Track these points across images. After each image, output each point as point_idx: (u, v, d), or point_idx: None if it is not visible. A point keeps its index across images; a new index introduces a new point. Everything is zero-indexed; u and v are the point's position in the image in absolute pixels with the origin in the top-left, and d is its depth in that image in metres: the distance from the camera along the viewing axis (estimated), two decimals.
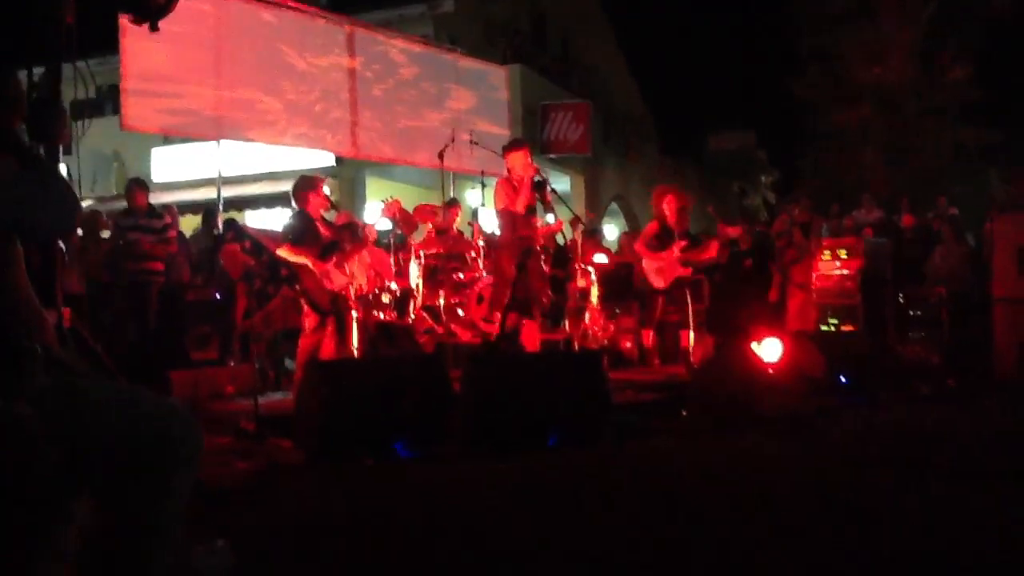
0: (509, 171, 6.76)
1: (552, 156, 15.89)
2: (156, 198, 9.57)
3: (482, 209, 9.67)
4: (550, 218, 7.16)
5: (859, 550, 2.94)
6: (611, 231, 18.57)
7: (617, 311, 8.83)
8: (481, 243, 7.66)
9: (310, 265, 6.05)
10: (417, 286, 7.32)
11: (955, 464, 4.28)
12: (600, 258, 8.94)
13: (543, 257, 7.09)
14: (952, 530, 3.17)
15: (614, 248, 12.39)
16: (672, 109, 36.72)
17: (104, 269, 8.23)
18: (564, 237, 8.87)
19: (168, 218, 8.67)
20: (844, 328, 9.33)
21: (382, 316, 7.13)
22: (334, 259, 6.19)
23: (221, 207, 9.93)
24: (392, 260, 7.74)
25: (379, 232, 7.54)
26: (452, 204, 8.67)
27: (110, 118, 10.98)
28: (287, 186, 6.58)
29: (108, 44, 7.86)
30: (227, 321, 8.55)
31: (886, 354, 7.57)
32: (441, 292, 7.32)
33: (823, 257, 9.70)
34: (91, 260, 8.11)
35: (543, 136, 15.98)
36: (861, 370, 6.56)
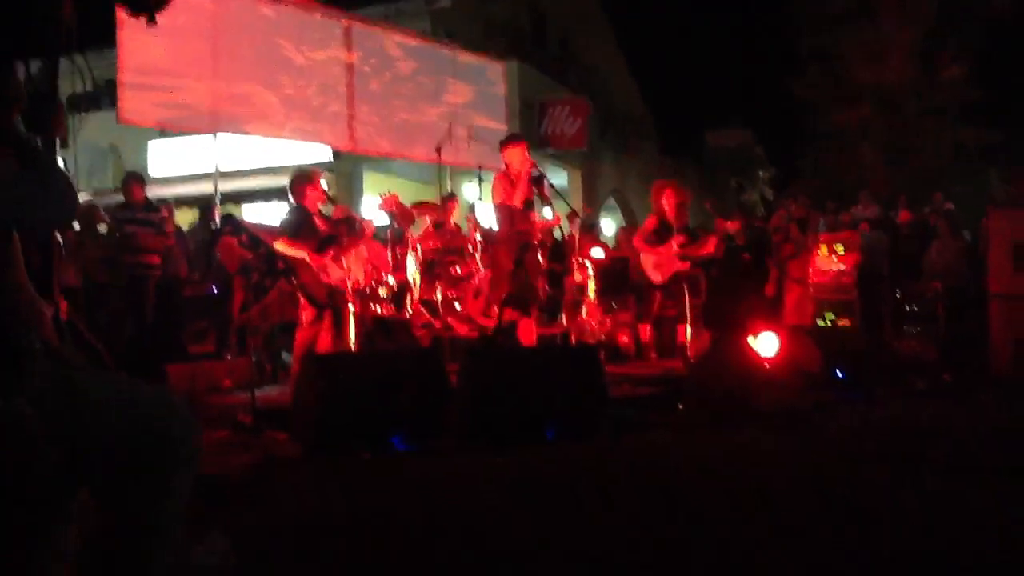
0: (507, 166, 6.76)
1: (549, 151, 15.89)
2: (153, 192, 9.55)
3: (479, 203, 9.66)
4: (547, 213, 7.16)
5: (857, 548, 2.95)
6: (608, 226, 18.58)
7: (614, 305, 8.83)
8: (478, 237, 7.65)
9: (307, 259, 6.04)
10: (414, 280, 7.31)
11: (951, 459, 4.30)
12: (597, 252, 8.95)
13: (540, 252, 7.08)
14: (949, 527, 3.18)
15: (611, 243, 12.39)
16: (672, 109, 36.61)
17: (101, 266, 8.19)
18: (561, 231, 8.87)
19: (165, 212, 8.65)
20: (841, 323, 9.33)
21: (379, 310, 7.12)
22: (331, 253, 6.18)
23: (218, 201, 9.92)
24: (389, 254, 7.72)
25: (376, 226, 7.53)
26: (449, 198, 8.67)
27: (107, 112, 10.95)
28: (284, 180, 6.56)
29: (105, 37, 7.84)
30: (224, 315, 8.55)
31: (882, 349, 7.59)
32: (438, 286, 7.31)
33: (820, 252, 9.71)
34: (88, 255, 8.08)
35: (540, 131, 15.98)
36: (857, 365, 6.59)
